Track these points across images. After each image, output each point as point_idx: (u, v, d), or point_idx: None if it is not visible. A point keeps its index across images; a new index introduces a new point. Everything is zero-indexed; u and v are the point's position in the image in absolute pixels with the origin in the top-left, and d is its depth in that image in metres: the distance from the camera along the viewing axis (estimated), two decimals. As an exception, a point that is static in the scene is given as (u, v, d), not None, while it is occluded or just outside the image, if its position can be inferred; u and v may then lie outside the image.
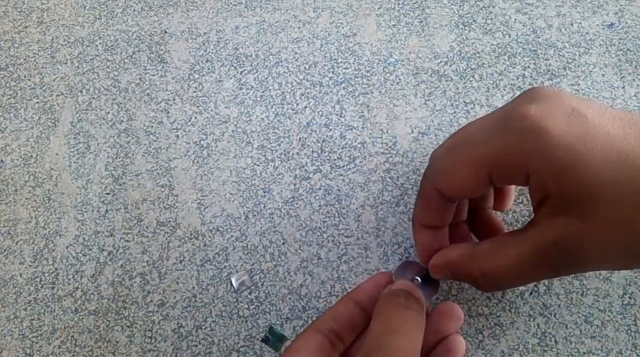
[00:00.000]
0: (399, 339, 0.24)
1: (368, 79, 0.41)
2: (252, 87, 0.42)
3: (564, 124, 0.22)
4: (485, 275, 0.25)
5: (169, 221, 0.37)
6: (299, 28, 0.44)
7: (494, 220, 0.32)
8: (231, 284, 0.35)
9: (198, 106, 0.41)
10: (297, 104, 0.41)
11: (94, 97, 0.42)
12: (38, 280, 0.36)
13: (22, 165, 0.40)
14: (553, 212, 0.22)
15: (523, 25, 0.42)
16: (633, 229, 0.21)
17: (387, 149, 0.38)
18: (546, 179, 0.22)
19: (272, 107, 0.41)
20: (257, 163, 0.39)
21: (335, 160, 0.38)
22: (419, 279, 0.30)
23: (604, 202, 0.21)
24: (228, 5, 0.45)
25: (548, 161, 0.22)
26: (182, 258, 0.36)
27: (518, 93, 0.39)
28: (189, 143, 0.40)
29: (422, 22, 0.43)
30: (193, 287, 0.35)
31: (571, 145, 0.21)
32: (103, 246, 0.37)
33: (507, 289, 0.33)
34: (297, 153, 0.39)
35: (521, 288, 0.34)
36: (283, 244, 0.36)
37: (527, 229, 0.24)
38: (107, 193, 0.38)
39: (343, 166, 0.38)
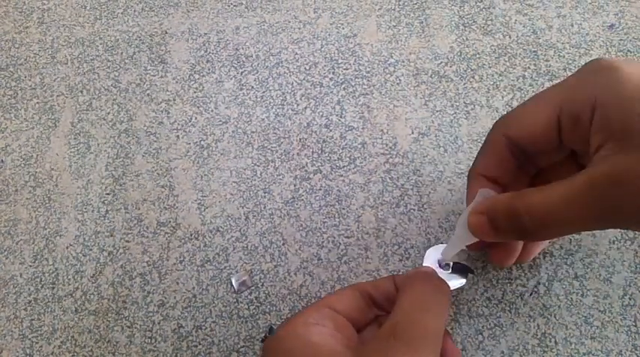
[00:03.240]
0: (429, 318, 0.24)
1: (368, 80, 0.41)
2: (253, 87, 0.42)
3: (636, 67, 0.22)
4: (532, 211, 0.23)
5: (169, 221, 0.37)
6: (299, 28, 0.44)
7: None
8: (232, 284, 0.35)
9: (198, 107, 0.41)
10: (298, 105, 0.41)
11: (94, 98, 0.42)
12: (38, 280, 0.36)
13: (23, 165, 0.40)
14: (611, 153, 0.21)
15: (523, 26, 0.42)
16: None
17: (387, 150, 0.38)
18: (612, 113, 0.22)
19: (272, 108, 0.41)
20: (257, 163, 0.39)
21: (335, 160, 0.38)
22: (449, 265, 0.30)
23: None
24: (229, 6, 0.45)
25: (617, 93, 0.22)
26: (182, 258, 0.36)
27: (519, 94, 0.39)
28: (190, 144, 0.40)
29: (422, 23, 0.43)
30: (193, 287, 0.35)
31: None
32: (103, 246, 0.37)
33: (553, 235, 0.27)
34: (298, 153, 0.39)
35: (521, 289, 0.34)
36: (283, 244, 0.36)
37: (581, 172, 0.22)
38: (107, 194, 0.39)
39: (343, 166, 0.38)
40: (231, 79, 0.42)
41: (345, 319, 0.27)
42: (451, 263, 0.30)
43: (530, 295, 0.34)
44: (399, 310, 0.24)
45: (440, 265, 0.31)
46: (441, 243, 0.35)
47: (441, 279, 0.27)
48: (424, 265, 0.31)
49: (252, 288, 0.35)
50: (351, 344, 0.25)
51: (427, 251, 0.31)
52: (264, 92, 0.41)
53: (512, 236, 0.25)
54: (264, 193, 0.38)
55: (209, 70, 0.43)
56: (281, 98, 0.41)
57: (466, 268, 0.30)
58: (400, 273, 0.35)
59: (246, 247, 0.36)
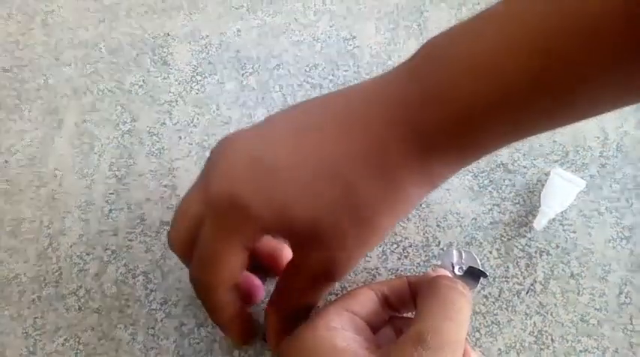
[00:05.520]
0: (454, 326, 0.24)
1: (368, 82, 0.42)
2: (254, 89, 0.42)
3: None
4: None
5: (172, 221, 0.38)
6: (300, 31, 0.44)
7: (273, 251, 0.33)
8: (233, 283, 0.36)
9: (200, 108, 0.42)
10: (298, 106, 0.41)
11: (97, 99, 0.43)
12: (42, 278, 0.36)
13: (27, 165, 0.41)
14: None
15: (520, 29, 0.43)
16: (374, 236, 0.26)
17: (386, 150, 0.39)
18: None
19: (273, 109, 0.41)
20: (258, 163, 0.39)
21: (335, 161, 0.39)
22: (463, 267, 0.31)
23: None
24: (231, 9, 0.46)
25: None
26: (184, 257, 0.37)
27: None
28: (192, 144, 0.40)
29: (420, 25, 0.44)
30: (195, 286, 0.36)
31: None
32: (107, 245, 0.37)
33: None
34: (298, 154, 0.39)
35: (518, 287, 0.34)
36: (284, 243, 0.37)
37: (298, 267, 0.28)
38: (111, 193, 0.39)
39: (343, 167, 0.39)
40: (232, 80, 0.43)
41: (363, 321, 0.27)
42: (464, 267, 0.31)
43: (527, 293, 0.34)
44: (424, 317, 0.25)
45: (453, 269, 0.31)
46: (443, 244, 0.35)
47: (464, 285, 0.27)
48: (439, 268, 0.31)
49: (254, 286, 0.35)
50: (371, 347, 0.25)
51: (441, 254, 0.32)
52: (265, 93, 0.42)
53: None
54: (265, 192, 0.38)
55: (211, 71, 0.43)
56: (282, 99, 0.42)
57: (479, 272, 0.31)
58: (399, 271, 0.35)
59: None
